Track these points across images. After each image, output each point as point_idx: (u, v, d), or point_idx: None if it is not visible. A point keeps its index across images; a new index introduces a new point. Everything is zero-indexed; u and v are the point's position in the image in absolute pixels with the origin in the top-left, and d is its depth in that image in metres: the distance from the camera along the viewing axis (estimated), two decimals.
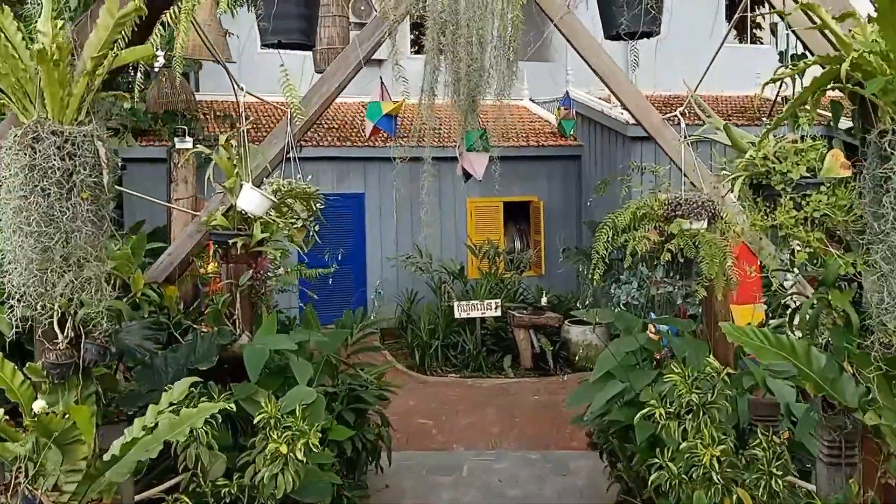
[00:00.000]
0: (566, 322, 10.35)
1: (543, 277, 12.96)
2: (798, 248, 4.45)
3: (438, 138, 12.42)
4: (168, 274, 4.78)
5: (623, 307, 5.75)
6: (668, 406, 3.51)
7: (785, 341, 2.74)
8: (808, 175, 2.85)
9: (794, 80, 2.97)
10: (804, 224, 2.80)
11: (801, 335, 3.03)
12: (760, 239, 4.34)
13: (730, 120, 4.84)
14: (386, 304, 12.68)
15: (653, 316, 6.93)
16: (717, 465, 3.15)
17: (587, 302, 4.68)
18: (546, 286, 11.86)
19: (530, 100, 14.87)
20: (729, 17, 13.57)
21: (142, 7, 2.76)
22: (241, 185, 3.86)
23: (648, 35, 3.27)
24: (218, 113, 10.88)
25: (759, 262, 5.09)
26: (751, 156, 2.90)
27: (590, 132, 12.42)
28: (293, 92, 3.92)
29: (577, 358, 10.06)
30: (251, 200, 3.80)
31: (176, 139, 6.15)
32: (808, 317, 2.97)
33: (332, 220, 12.78)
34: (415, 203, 13.35)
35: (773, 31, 5.46)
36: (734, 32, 13.55)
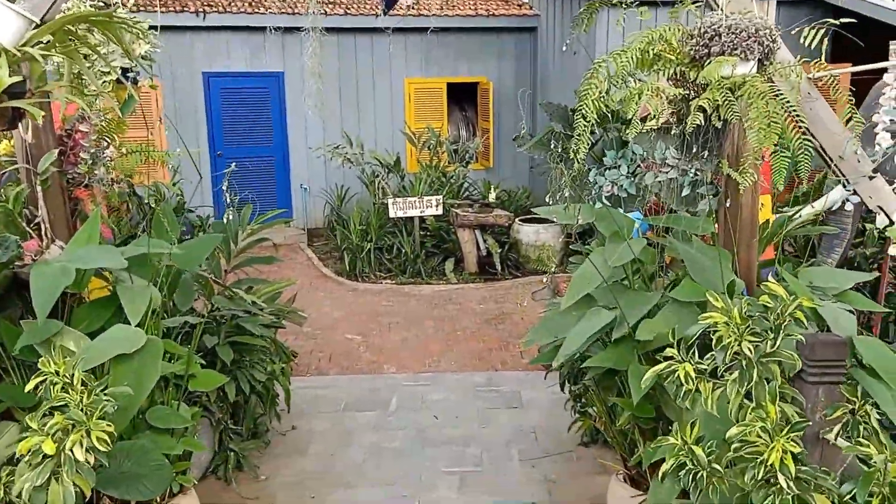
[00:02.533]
0: (517, 221, 9.20)
1: (492, 170, 11.61)
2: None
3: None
4: None
5: (606, 201, 4.38)
6: (694, 357, 2.20)
7: None
8: None
9: None
10: None
11: None
12: (809, 94, 2.98)
13: None
14: (313, 201, 11.22)
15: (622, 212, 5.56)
16: (789, 467, 1.89)
17: (559, 195, 3.36)
18: (495, 180, 10.57)
19: None
20: None
21: None
22: None
23: None
24: None
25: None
26: None
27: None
28: None
29: (528, 261, 8.94)
30: None
31: None
32: None
33: (247, 103, 11.12)
34: (344, 84, 11.61)
35: None
36: None
